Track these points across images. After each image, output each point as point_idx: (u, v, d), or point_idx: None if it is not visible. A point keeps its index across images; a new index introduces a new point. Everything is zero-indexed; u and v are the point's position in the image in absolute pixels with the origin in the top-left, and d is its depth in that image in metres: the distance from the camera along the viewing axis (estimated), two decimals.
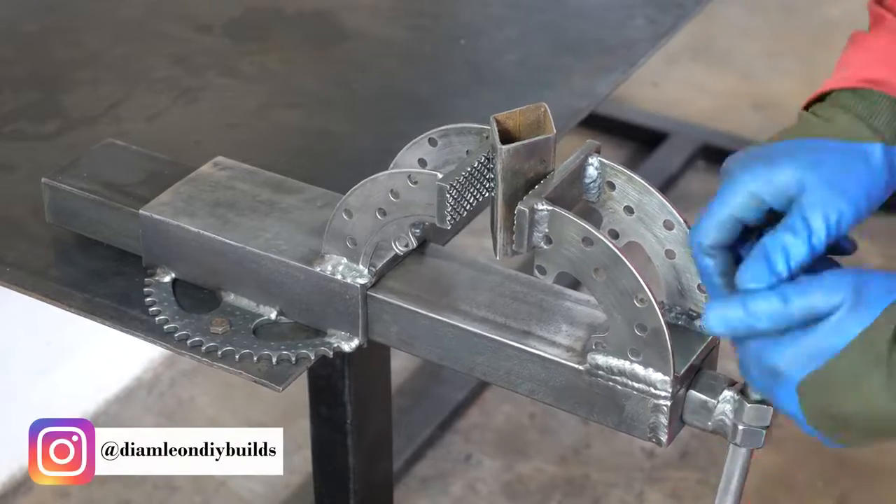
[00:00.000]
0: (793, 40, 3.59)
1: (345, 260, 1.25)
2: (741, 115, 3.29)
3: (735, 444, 1.15)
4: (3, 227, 1.44)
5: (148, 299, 1.32)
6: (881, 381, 1.03)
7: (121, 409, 2.46)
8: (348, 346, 1.27)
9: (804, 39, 3.56)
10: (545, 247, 1.14)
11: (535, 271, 1.16)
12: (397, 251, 1.24)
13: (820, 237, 1.08)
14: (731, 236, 1.12)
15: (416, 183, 1.18)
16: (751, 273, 1.07)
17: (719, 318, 1.07)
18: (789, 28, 3.66)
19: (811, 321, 1.06)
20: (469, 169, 1.16)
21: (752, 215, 1.11)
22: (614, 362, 1.15)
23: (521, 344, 1.20)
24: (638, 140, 3.18)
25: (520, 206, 1.13)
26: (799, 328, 1.06)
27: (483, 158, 1.16)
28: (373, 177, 1.20)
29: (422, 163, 1.25)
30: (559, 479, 2.35)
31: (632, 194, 1.18)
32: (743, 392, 1.15)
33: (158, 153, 1.44)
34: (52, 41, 1.79)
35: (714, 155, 3.12)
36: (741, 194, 1.11)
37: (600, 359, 1.16)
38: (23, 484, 2.32)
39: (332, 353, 1.27)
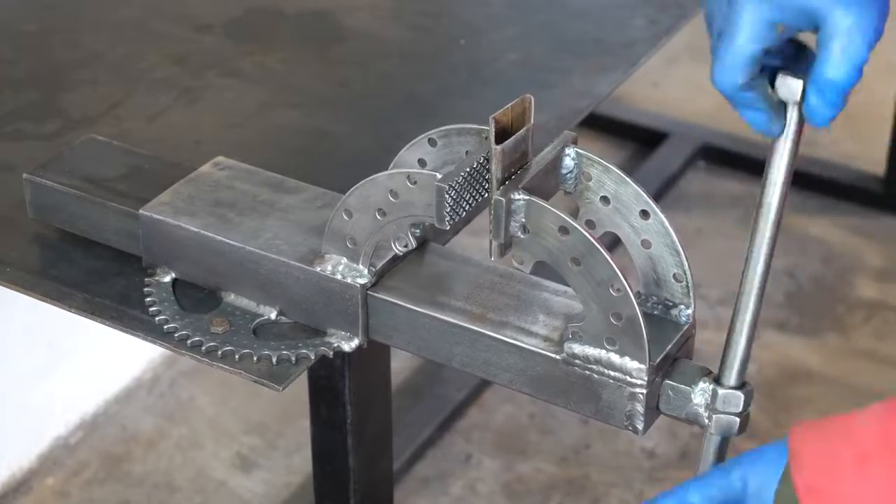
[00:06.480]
0: None
1: (345, 260, 1.25)
2: None
3: (710, 433, 1.16)
4: (3, 227, 1.44)
5: (148, 299, 1.32)
6: None
7: (121, 409, 2.46)
8: (348, 345, 1.27)
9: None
10: (522, 236, 1.15)
11: (513, 261, 1.17)
12: (397, 251, 1.25)
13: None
14: (758, 66, 1.07)
15: (415, 183, 1.18)
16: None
17: None
18: None
19: None
20: (468, 169, 1.16)
21: (776, 42, 1.06)
22: (591, 351, 1.16)
23: (498, 334, 1.20)
24: (638, 140, 3.18)
25: (496, 196, 1.13)
26: None
27: (482, 159, 1.16)
28: (372, 177, 1.20)
29: (422, 163, 1.25)
30: (559, 479, 2.35)
31: (608, 184, 1.19)
32: (717, 380, 1.16)
33: (139, 149, 1.45)
34: (52, 41, 1.79)
35: (714, 155, 3.13)
36: (759, 25, 1.05)
37: (577, 348, 1.17)
38: (23, 484, 2.32)
39: (332, 352, 1.27)
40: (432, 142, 1.24)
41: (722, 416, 1.15)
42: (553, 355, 1.18)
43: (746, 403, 1.16)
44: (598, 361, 1.16)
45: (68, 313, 1.34)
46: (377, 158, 1.33)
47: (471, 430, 2.44)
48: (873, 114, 3.16)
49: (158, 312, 1.30)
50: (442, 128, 1.24)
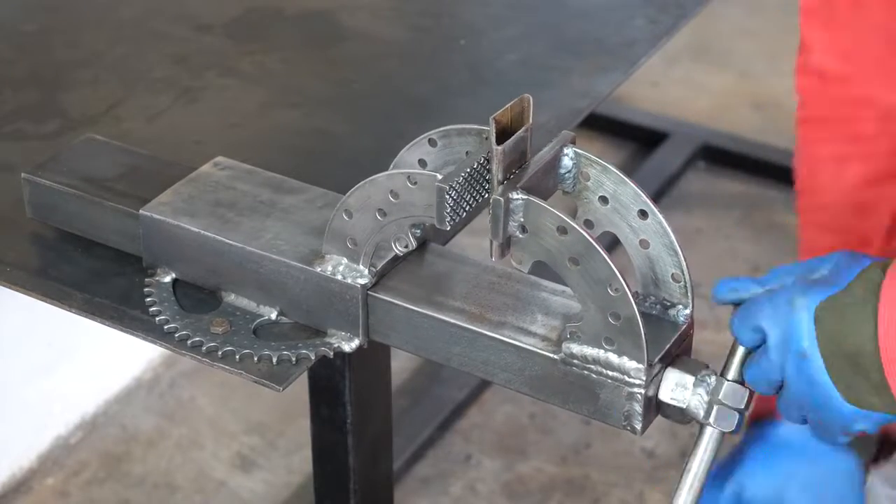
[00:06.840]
0: (793, 40, 3.58)
1: (345, 260, 1.25)
2: (741, 114, 3.29)
3: (708, 424, 1.16)
4: (3, 227, 1.44)
5: (148, 299, 1.32)
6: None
7: (121, 410, 2.46)
8: (349, 346, 1.27)
9: None
10: (521, 236, 1.15)
11: (512, 260, 1.16)
12: (397, 252, 1.25)
13: None
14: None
15: (415, 184, 1.18)
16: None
17: (727, 287, 1.19)
18: (789, 28, 3.65)
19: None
20: (468, 170, 1.16)
21: None
22: (589, 351, 1.16)
23: (496, 334, 1.20)
24: (638, 140, 3.18)
25: (495, 196, 1.13)
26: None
27: (482, 159, 1.16)
28: (372, 177, 1.20)
29: (422, 163, 1.25)
30: (559, 479, 2.35)
31: (607, 184, 1.19)
32: (722, 373, 1.17)
33: (139, 149, 1.45)
34: (52, 41, 1.79)
35: (714, 155, 3.13)
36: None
37: (575, 348, 1.17)
38: (23, 484, 2.32)
39: (332, 353, 1.27)
40: (432, 142, 1.24)
41: (724, 407, 1.16)
42: (551, 355, 1.18)
43: (748, 402, 1.16)
44: (596, 361, 1.16)
45: (68, 313, 1.34)
46: (377, 158, 1.33)
47: (471, 430, 2.44)
48: None
49: (159, 312, 1.30)
50: (442, 128, 1.24)
